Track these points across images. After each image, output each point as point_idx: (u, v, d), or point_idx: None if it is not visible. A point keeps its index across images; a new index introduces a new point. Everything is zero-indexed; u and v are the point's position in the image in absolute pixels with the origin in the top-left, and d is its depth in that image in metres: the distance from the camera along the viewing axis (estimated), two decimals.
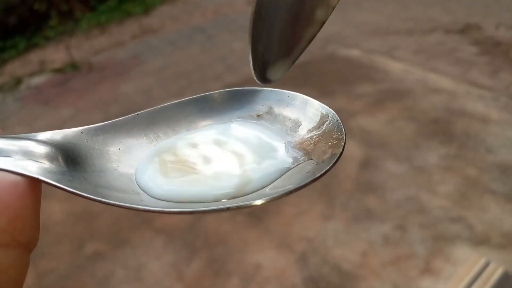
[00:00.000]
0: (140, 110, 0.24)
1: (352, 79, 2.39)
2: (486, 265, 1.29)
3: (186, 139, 0.24)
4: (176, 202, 0.20)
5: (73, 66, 3.22)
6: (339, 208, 1.55)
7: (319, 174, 0.20)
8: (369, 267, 1.35)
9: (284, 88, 0.26)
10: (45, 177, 0.17)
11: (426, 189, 1.60)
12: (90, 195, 0.18)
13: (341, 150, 0.21)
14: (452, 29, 2.90)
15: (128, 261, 1.48)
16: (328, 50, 2.82)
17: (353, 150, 1.80)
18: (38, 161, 0.18)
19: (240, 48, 3.08)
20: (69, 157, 0.20)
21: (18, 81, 3.13)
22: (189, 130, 0.24)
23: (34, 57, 3.55)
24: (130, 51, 3.40)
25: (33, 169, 0.17)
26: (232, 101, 0.26)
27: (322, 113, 0.24)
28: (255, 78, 0.23)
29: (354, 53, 2.71)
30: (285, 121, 0.25)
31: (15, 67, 3.42)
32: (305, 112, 0.24)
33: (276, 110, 0.25)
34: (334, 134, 0.22)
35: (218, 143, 0.23)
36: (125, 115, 0.23)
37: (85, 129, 0.21)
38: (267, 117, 0.25)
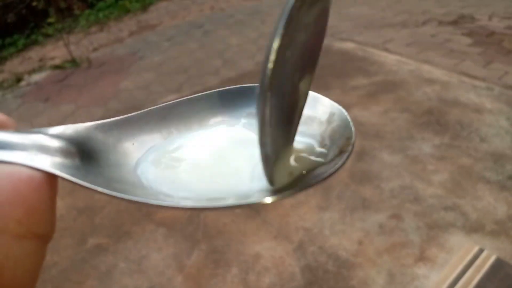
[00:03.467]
0: (139, 105, 0.24)
1: (346, 72, 2.41)
2: (480, 252, 1.31)
3: (198, 136, 0.24)
4: (186, 198, 0.20)
5: (73, 63, 3.23)
6: (335, 199, 1.57)
7: (329, 173, 0.20)
8: (365, 255, 1.37)
9: None
10: (61, 171, 0.17)
11: (420, 178, 1.62)
12: (105, 189, 0.18)
13: (350, 148, 0.21)
14: (446, 20, 2.91)
15: (130, 254, 1.50)
16: (323, 43, 2.82)
17: None
18: (53, 156, 0.18)
19: (237, 43, 3.10)
20: (84, 152, 0.20)
21: (18, 79, 3.15)
22: (201, 126, 0.25)
23: (34, 54, 3.57)
24: (129, 47, 3.41)
25: (49, 163, 0.17)
26: (242, 97, 0.26)
27: (331, 111, 0.24)
28: (269, 183, 0.21)
29: (349, 46, 2.72)
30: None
31: (14, 65, 3.43)
32: (315, 109, 0.25)
33: None
34: (343, 132, 0.23)
35: (229, 140, 0.24)
36: (124, 110, 0.23)
37: (99, 124, 0.21)
38: None
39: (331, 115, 0.24)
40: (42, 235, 0.16)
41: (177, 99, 0.25)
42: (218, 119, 0.25)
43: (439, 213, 1.48)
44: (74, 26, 3.95)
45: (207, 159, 0.23)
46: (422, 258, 1.34)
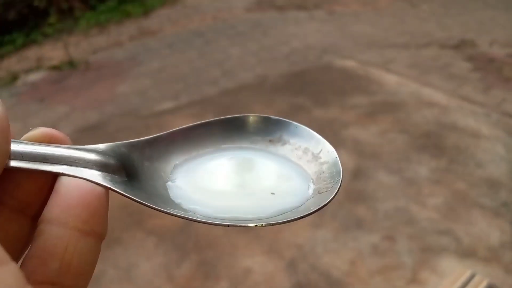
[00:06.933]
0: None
1: (346, 90, 2.42)
2: (472, 277, 1.31)
3: (214, 159, 0.27)
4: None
5: (70, 64, 3.22)
6: (329, 217, 1.56)
7: (320, 206, 0.23)
8: (357, 275, 1.37)
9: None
10: (115, 187, 0.21)
11: (415, 201, 1.62)
12: (152, 204, 0.21)
13: (339, 184, 0.24)
14: (447, 44, 2.94)
15: (119, 261, 1.48)
16: (324, 60, 2.84)
17: (345, 160, 1.82)
18: (108, 172, 0.22)
19: (237, 54, 3.11)
20: (126, 167, 0.23)
21: (14, 77, 3.13)
22: (216, 149, 0.28)
23: (32, 53, 3.55)
24: (128, 51, 3.41)
25: (106, 179, 0.21)
26: (249, 125, 0.29)
27: (322, 148, 0.27)
28: None
29: (350, 64, 2.74)
30: (293, 149, 0.28)
31: (12, 63, 3.41)
32: (310, 142, 0.27)
33: (285, 137, 0.28)
34: (333, 167, 0.25)
35: (243, 167, 0.27)
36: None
37: (134, 142, 0.25)
38: (278, 142, 0.28)
39: (323, 150, 0.26)
40: (100, 234, 0.20)
41: (195, 122, 0.28)
42: (228, 143, 0.28)
43: (433, 236, 1.48)
44: (74, 28, 3.94)
45: (221, 180, 0.26)
46: (413, 280, 1.34)
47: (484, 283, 1.28)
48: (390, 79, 2.50)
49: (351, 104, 2.27)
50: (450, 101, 2.25)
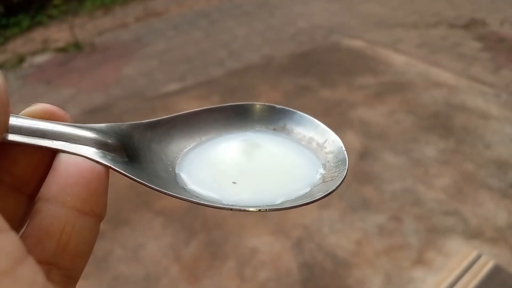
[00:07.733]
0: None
1: (354, 70, 2.40)
2: (478, 257, 1.31)
3: (217, 144, 0.27)
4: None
5: (76, 46, 3.21)
6: (336, 197, 1.57)
7: (326, 193, 0.23)
8: (363, 255, 1.37)
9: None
10: (116, 166, 0.21)
11: (422, 181, 1.62)
12: (151, 184, 0.21)
13: (344, 173, 0.24)
14: (457, 23, 2.90)
15: (127, 241, 1.50)
16: (331, 40, 2.81)
17: (352, 140, 1.81)
18: (110, 151, 0.21)
19: (243, 34, 3.08)
20: (127, 148, 0.23)
21: (20, 59, 3.13)
22: (218, 135, 0.28)
23: (37, 35, 3.54)
24: (134, 33, 3.39)
25: (107, 158, 0.21)
26: (253, 113, 0.28)
27: (327, 138, 0.27)
28: None
29: (358, 44, 2.71)
30: (298, 138, 0.28)
31: (18, 45, 3.41)
32: (315, 132, 0.27)
33: (289, 127, 0.28)
34: (338, 156, 0.25)
35: (251, 152, 0.26)
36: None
37: (136, 124, 0.24)
38: (282, 131, 0.28)
39: (329, 140, 0.27)
40: (99, 215, 0.20)
41: (198, 108, 0.28)
42: (231, 130, 0.28)
43: (439, 217, 1.48)
44: (80, 9, 3.92)
45: (225, 164, 0.26)
46: (419, 261, 1.35)
47: (490, 263, 1.29)
48: (398, 59, 2.48)
49: (359, 85, 2.25)
50: (459, 81, 2.23)
